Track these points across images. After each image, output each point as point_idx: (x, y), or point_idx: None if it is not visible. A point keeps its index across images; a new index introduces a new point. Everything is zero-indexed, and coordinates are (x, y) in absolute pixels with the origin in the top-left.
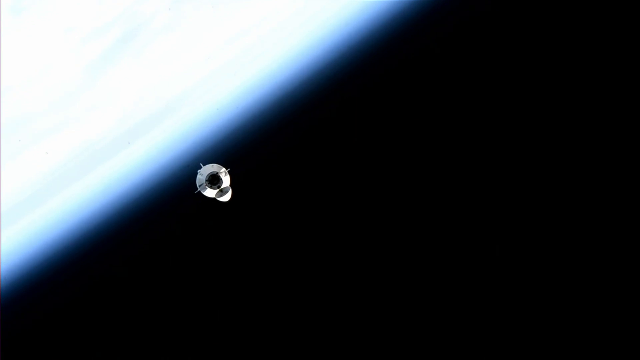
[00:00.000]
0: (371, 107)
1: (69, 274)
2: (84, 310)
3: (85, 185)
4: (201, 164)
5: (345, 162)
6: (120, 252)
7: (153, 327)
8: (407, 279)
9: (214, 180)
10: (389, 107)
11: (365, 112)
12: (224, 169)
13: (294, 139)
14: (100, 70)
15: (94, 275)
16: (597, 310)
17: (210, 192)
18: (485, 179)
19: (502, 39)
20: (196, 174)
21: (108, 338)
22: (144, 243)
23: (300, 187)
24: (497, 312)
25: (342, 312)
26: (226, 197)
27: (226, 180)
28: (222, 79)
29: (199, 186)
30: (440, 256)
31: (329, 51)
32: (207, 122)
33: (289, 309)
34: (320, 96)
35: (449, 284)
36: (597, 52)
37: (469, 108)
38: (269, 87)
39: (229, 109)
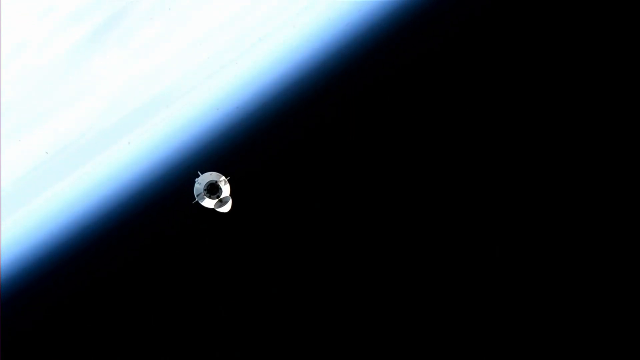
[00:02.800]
0: (378, 104)
1: (40, 290)
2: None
3: (60, 189)
4: (199, 172)
5: (361, 167)
6: (102, 269)
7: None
8: (413, 288)
9: (213, 190)
10: (399, 105)
11: (374, 110)
12: (223, 178)
13: (302, 140)
14: (80, 59)
15: (71, 294)
16: (597, 310)
17: (209, 203)
18: (483, 179)
19: (501, 38)
20: (193, 182)
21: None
22: (133, 257)
23: (308, 197)
24: (497, 312)
25: (345, 325)
26: (226, 208)
27: (226, 190)
28: (220, 67)
29: (197, 196)
30: (442, 257)
31: (336, 41)
32: (201, 118)
33: (292, 325)
34: (328, 90)
35: (449, 285)
36: (597, 50)
37: (467, 105)
38: (274, 77)
39: (228, 104)
